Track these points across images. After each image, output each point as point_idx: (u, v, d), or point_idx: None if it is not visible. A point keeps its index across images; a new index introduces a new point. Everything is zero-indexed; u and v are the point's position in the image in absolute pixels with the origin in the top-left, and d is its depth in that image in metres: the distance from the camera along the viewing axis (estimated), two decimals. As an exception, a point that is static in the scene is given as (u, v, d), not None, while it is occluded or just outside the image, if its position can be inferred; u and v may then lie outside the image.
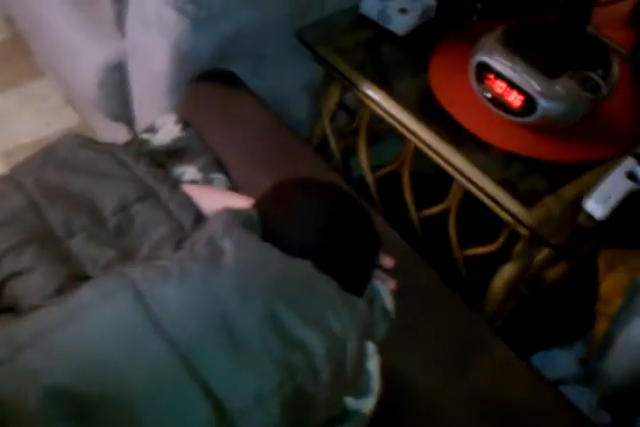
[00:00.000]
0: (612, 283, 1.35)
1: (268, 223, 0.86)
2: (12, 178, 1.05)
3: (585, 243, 1.17)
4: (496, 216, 1.15)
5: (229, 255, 0.79)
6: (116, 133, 1.54)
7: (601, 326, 1.34)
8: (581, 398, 1.29)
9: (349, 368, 0.80)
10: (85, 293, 0.79)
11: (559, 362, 1.40)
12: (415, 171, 1.34)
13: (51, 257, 0.94)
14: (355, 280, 0.88)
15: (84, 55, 1.41)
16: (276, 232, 0.85)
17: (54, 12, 1.46)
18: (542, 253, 1.23)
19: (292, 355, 0.75)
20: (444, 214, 1.31)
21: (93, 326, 0.74)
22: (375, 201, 1.45)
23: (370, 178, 1.43)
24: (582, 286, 1.42)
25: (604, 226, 1.10)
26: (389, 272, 0.93)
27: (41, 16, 1.51)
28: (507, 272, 1.22)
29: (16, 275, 0.92)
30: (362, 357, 0.84)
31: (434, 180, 1.41)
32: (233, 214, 0.85)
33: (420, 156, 1.25)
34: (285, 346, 0.75)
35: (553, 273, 1.37)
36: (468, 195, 1.20)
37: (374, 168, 1.43)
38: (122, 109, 1.45)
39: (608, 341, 1.27)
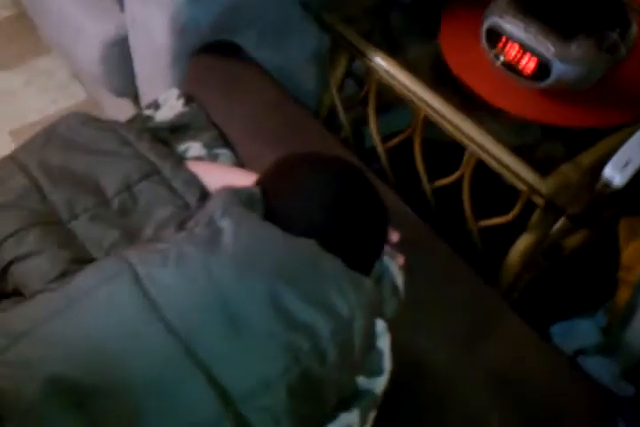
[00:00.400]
0: (633, 251, 1.31)
1: (271, 200, 0.84)
2: (14, 159, 1.04)
3: (604, 211, 1.14)
4: (511, 184, 1.11)
5: (228, 235, 0.77)
6: (122, 109, 1.52)
7: (623, 295, 1.31)
8: (603, 368, 1.26)
9: (357, 348, 0.78)
10: (84, 279, 0.77)
11: (580, 332, 1.38)
12: (429, 138, 1.30)
13: (54, 240, 0.93)
14: (362, 258, 0.85)
15: (86, 30, 1.39)
16: (279, 210, 0.83)
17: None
18: (560, 222, 1.19)
19: (296, 337, 0.73)
20: (458, 184, 1.28)
21: (91, 313, 0.73)
22: (387, 172, 1.41)
23: (380, 148, 1.39)
24: (603, 253, 1.38)
25: (624, 193, 1.06)
26: (397, 247, 0.91)
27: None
28: (523, 243, 1.18)
29: (20, 258, 0.91)
30: (370, 336, 0.82)
31: (449, 146, 1.37)
32: (233, 193, 0.82)
33: (433, 122, 1.21)
34: (289, 328, 0.73)
35: (572, 241, 1.34)
36: (481, 163, 1.17)
37: (388, 136, 1.39)
38: (125, 85, 1.42)
39: (630, 310, 1.24)
